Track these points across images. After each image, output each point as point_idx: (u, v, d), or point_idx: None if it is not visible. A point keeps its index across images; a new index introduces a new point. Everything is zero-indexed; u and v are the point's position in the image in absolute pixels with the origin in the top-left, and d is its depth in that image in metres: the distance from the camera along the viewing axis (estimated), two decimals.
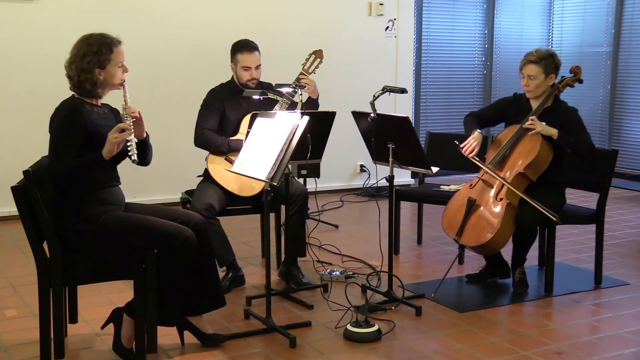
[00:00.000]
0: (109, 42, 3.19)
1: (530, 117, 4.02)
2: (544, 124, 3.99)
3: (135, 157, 3.07)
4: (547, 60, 4.08)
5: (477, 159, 4.10)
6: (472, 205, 4.07)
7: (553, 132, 3.97)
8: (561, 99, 4.20)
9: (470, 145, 4.12)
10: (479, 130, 4.16)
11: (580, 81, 4.21)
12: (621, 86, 8.27)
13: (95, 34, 3.22)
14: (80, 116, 3.12)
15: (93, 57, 3.15)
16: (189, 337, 3.39)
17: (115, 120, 3.30)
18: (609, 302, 4.08)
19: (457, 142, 4.16)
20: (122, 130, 3.05)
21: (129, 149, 3.08)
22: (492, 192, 4.04)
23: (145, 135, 3.28)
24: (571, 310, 3.95)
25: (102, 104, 3.30)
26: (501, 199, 3.98)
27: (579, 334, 3.59)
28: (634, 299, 4.10)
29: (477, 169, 4.22)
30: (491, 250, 4.06)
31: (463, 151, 4.13)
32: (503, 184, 3.99)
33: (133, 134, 3.09)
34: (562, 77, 4.19)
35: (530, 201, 3.90)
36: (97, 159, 3.06)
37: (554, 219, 3.88)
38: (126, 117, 3.14)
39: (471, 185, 4.19)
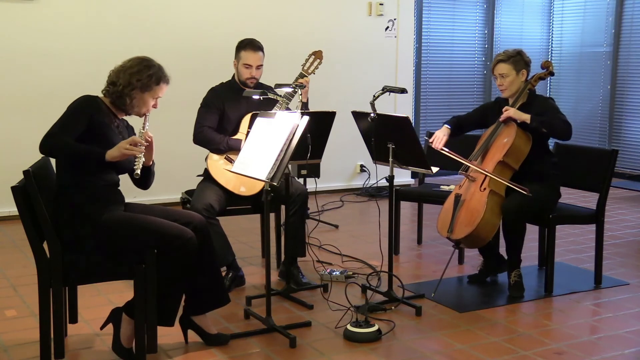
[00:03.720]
0: (161, 76, 3.31)
1: (504, 108, 4.12)
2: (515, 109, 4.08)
3: (138, 171, 3.14)
4: (516, 58, 4.17)
5: (447, 149, 4.19)
6: (458, 201, 4.10)
7: (525, 116, 4.02)
8: (537, 94, 4.26)
9: (438, 138, 4.28)
10: (446, 125, 4.35)
11: (552, 74, 4.27)
12: (621, 86, 8.26)
13: (155, 62, 3.32)
14: (93, 109, 3.18)
15: (144, 80, 3.24)
16: (191, 335, 3.40)
17: (128, 137, 3.34)
18: (609, 302, 4.09)
19: (427, 138, 4.29)
20: (135, 145, 3.09)
21: (135, 164, 3.15)
22: (477, 185, 4.07)
23: (152, 162, 3.35)
24: (571, 310, 3.95)
25: (121, 117, 3.38)
26: (484, 189, 4.02)
27: (578, 334, 3.59)
28: (634, 299, 4.10)
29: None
30: (481, 240, 4.04)
31: (433, 146, 4.26)
32: (485, 176, 4.03)
33: (143, 154, 3.17)
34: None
35: (498, 179, 3.97)
36: (96, 155, 3.10)
37: (525, 193, 3.93)
38: (141, 139, 3.20)
39: (460, 186, 4.24)
